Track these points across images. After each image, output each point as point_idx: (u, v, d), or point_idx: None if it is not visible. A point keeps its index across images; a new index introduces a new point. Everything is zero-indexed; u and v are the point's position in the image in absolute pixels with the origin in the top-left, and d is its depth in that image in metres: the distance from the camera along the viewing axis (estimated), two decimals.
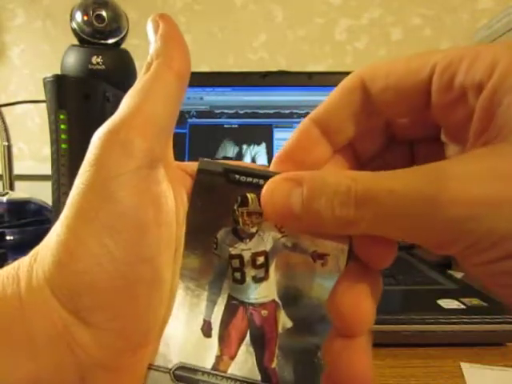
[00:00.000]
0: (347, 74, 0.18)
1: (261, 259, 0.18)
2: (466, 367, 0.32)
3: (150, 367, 0.17)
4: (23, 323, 0.14)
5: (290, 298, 0.18)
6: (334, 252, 0.17)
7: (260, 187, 0.16)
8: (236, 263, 0.18)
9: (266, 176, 0.16)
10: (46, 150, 0.66)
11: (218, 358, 0.17)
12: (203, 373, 0.17)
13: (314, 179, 0.15)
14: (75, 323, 0.15)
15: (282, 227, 0.18)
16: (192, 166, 0.19)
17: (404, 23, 0.99)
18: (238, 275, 0.18)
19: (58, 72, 0.57)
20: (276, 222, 0.16)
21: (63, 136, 0.56)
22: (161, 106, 0.16)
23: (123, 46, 0.62)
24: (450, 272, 0.55)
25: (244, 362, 0.17)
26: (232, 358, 0.17)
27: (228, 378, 0.17)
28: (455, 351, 0.35)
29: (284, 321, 0.17)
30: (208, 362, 0.17)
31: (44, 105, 0.56)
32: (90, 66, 0.55)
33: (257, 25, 1.01)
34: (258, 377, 0.17)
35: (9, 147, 0.78)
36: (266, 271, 0.18)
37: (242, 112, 0.68)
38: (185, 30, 0.99)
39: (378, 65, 0.17)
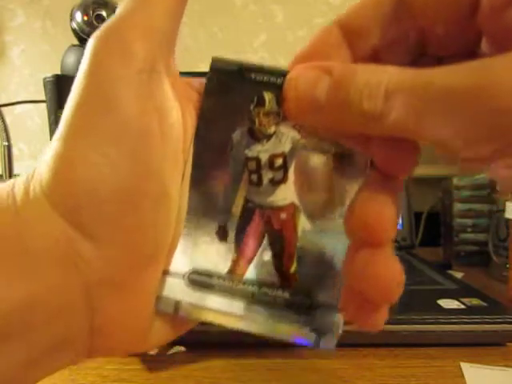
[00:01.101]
0: None
1: (279, 161, 0.17)
2: (465, 367, 0.32)
3: (165, 273, 0.16)
4: (19, 240, 0.13)
5: (311, 200, 0.17)
6: (355, 152, 0.16)
7: (277, 86, 0.16)
8: (252, 165, 0.17)
9: (285, 74, 0.15)
10: None
11: (234, 263, 0.17)
12: (219, 277, 0.17)
13: (344, 69, 0.14)
14: (79, 238, 0.14)
15: (302, 127, 0.17)
16: (198, 80, 0.18)
17: None
18: (254, 178, 0.17)
19: (58, 72, 0.57)
20: (296, 113, 0.15)
21: None
22: (161, 8, 0.15)
23: None
24: (449, 272, 0.56)
25: (261, 265, 0.17)
26: (249, 261, 0.17)
27: (245, 282, 0.17)
28: (455, 351, 0.35)
29: (304, 224, 0.17)
30: (223, 267, 0.17)
31: (44, 105, 0.56)
32: None
33: (257, 25, 1.01)
34: (276, 281, 0.17)
35: (9, 147, 0.78)
36: (285, 173, 0.17)
37: None
38: (185, 29, 0.99)
39: None
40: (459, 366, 0.33)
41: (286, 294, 0.17)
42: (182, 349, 0.35)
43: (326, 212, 0.17)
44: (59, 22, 1.01)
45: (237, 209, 0.17)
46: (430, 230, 0.71)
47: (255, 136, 0.17)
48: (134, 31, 0.14)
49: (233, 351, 0.35)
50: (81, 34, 0.57)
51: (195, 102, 0.17)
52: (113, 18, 0.15)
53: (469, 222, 0.64)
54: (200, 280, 0.16)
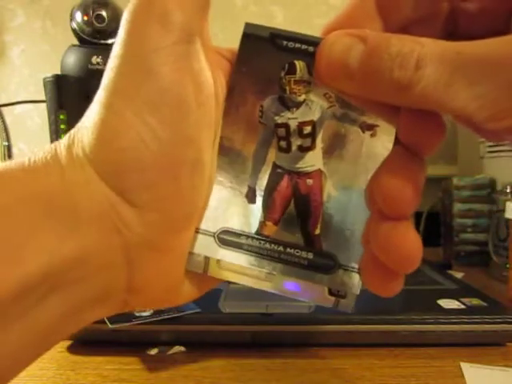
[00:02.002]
0: None
1: (308, 128, 0.17)
2: (466, 367, 0.32)
3: (197, 231, 0.17)
4: (67, 199, 0.14)
5: (337, 168, 0.18)
6: (383, 123, 0.17)
7: (309, 54, 0.16)
8: (282, 132, 0.17)
9: (317, 42, 0.16)
10: None
11: (262, 224, 0.18)
12: (247, 237, 0.18)
13: (379, 37, 0.14)
14: (121, 203, 0.15)
15: (331, 97, 0.17)
16: (228, 49, 0.18)
17: None
18: (283, 144, 0.18)
19: (58, 72, 0.57)
20: (328, 79, 0.16)
21: (63, 136, 0.56)
22: None
23: None
24: (449, 272, 0.55)
25: (288, 227, 0.18)
26: (276, 223, 0.18)
27: (271, 242, 0.17)
28: (455, 351, 0.35)
29: (329, 190, 0.18)
30: (252, 227, 0.18)
31: (44, 105, 0.56)
32: (89, 66, 0.55)
33: None
34: (301, 242, 0.18)
35: (9, 147, 0.78)
36: (313, 141, 0.17)
37: None
38: None
39: None
40: (459, 366, 0.33)
41: (310, 255, 0.17)
42: (182, 349, 0.35)
43: (351, 180, 0.18)
44: (59, 21, 1.01)
45: (265, 173, 0.18)
46: (429, 230, 0.71)
47: (285, 103, 0.17)
48: (169, 1, 0.14)
49: (233, 351, 0.34)
50: (81, 34, 0.57)
51: (225, 71, 0.17)
52: None
53: (469, 222, 0.64)
54: (229, 239, 0.17)
